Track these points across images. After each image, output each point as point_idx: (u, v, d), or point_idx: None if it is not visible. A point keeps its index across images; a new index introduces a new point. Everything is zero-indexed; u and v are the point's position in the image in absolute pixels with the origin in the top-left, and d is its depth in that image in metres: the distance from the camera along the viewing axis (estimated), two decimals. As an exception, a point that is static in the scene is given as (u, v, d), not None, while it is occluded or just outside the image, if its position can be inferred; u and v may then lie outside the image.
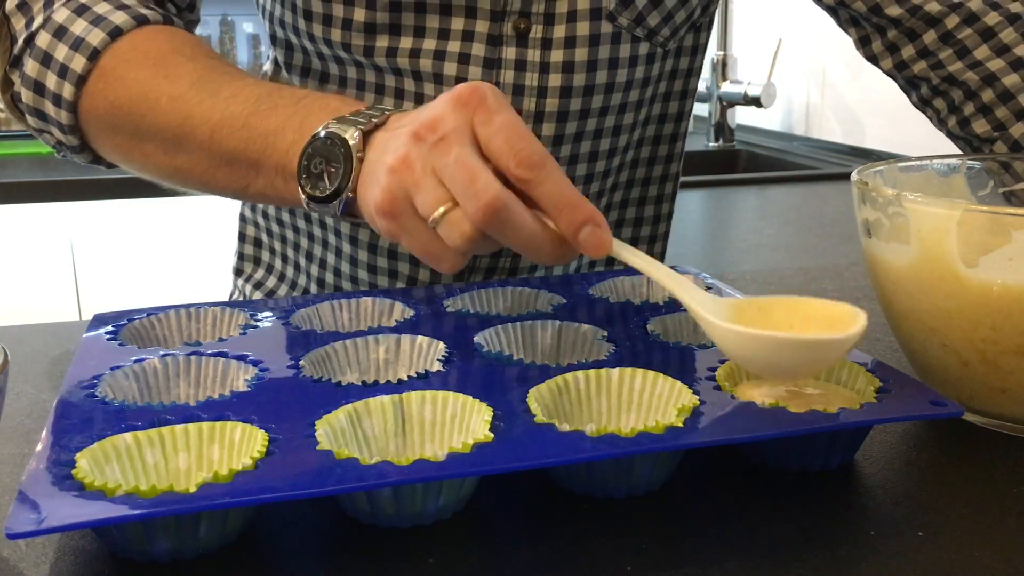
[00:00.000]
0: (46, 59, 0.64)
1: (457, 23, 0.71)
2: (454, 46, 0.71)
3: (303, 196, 0.56)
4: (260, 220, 0.88)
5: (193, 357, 0.53)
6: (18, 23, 0.66)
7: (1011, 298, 0.49)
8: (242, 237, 0.91)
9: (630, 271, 0.70)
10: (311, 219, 0.82)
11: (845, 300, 0.48)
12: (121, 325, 0.59)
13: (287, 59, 0.79)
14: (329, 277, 0.83)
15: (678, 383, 0.48)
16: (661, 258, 0.90)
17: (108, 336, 0.57)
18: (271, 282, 0.88)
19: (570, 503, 0.46)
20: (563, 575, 0.41)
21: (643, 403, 0.50)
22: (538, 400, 0.47)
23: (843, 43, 2.02)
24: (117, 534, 0.41)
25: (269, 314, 0.61)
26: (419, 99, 0.73)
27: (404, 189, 0.49)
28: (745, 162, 2.12)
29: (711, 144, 2.15)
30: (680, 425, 0.44)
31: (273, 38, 0.79)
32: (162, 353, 0.54)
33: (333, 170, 0.54)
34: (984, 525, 0.44)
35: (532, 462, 0.41)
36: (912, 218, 0.52)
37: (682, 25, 0.76)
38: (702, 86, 2.14)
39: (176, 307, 0.62)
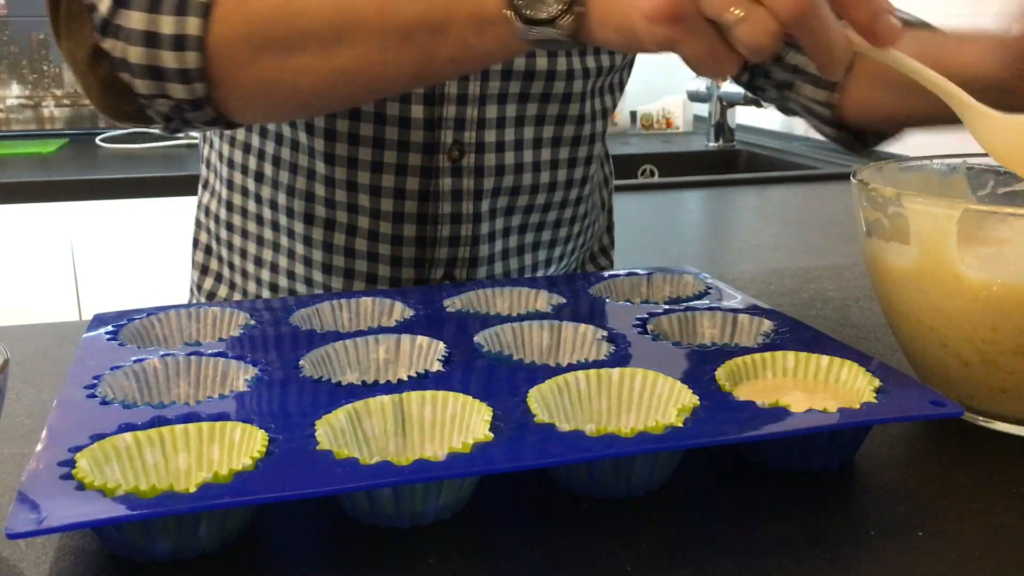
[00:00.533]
0: (153, 3, 0.57)
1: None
2: None
3: (519, 24, 0.52)
4: (212, 224, 0.86)
5: (193, 357, 0.53)
6: None
7: (1011, 298, 0.49)
8: (195, 243, 0.89)
9: (630, 271, 0.70)
10: (262, 220, 0.81)
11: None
12: (121, 325, 0.59)
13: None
14: (282, 281, 0.81)
15: (678, 383, 0.48)
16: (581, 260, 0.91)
17: (108, 336, 0.57)
18: (222, 291, 0.87)
19: (570, 503, 0.46)
20: (563, 575, 0.41)
21: (643, 403, 0.50)
22: (538, 400, 0.47)
23: (843, 43, 2.02)
24: (117, 534, 0.41)
25: (269, 314, 0.61)
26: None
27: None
28: (745, 162, 2.12)
29: (711, 144, 2.15)
30: (680, 425, 0.44)
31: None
32: (162, 353, 0.54)
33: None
34: (984, 525, 0.44)
35: (532, 462, 0.41)
36: (912, 218, 0.52)
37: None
38: (702, 86, 2.14)
39: (176, 307, 0.62)
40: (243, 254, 0.84)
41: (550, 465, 0.45)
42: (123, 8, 0.58)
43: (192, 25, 0.57)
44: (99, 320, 0.60)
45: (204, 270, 0.88)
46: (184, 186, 1.76)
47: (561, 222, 0.84)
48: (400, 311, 0.62)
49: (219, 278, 0.87)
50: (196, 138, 2.06)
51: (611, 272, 0.71)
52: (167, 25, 0.57)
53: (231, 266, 0.85)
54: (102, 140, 2.10)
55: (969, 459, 0.51)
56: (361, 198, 0.75)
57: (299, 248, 0.79)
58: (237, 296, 0.86)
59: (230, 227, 0.84)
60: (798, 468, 0.49)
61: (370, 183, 0.75)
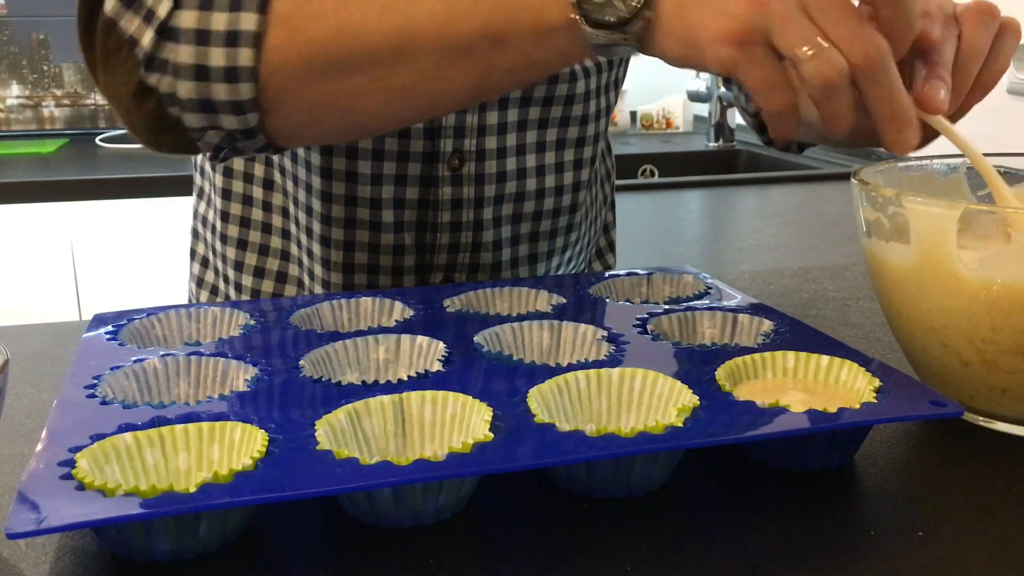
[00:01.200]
0: (201, 36, 0.56)
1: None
2: None
3: (587, 29, 0.52)
4: (208, 235, 0.86)
5: (193, 357, 0.53)
6: (130, 23, 0.57)
7: (1011, 298, 0.49)
8: (192, 254, 0.88)
9: (629, 271, 0.70)
10: (270, 229, 0.81)
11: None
12: (121, 325, 0.59)
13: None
14: (289, 291, 0.82)
15: (678, 383, 0.48)
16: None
17: (108, 336, 0.57)
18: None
19: (570, 503, 0.46)
20: (563, 575, 0.41)
21: (643, 403, 0.50)
22: (538, 400, 0.47)
23: (843, 43, 2.02)
24: (117, 534, 0.41)
25: (269, 314, 0.61)
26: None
27: (763, 20, 0.48)
28: (745, 162, 2.12)
29: (711, 144, 2.15)
30: (680, 425, 0.44)
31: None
32: (162, 353, 0.54)
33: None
34: (984, 525, 0.44)
35: (532, 462, 0.41)
36: (912, 218, 0.52)
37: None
38: (702, 86, 2.14)
39: (176, 307, 0.62)
40: (238, 266, 0.83)
41: (550, 465, 0.45)
42: (170, 41, 0.56)
43: (244, 56, 0.56)
44: (99, 320, 0.61)
45: (200, 283, 0.87)
46: (184, 186, 1.76)
47: (562, 223, 0.84)
48: (400, 311, 0.62)
49: (215, 291, 0.86)
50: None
51: (611, 272, 0.71)
52: (217, 58, 0.56)
53: (226, 279, 0.85)
54: (102, 140, 2.10)
55: (969, 459, 0.51)
56: (360, 212, 0.75)
57: (306, 260, 0.79)
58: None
59: (224, 238, 0.83)
60: (798, 468, 0.49)
61: (370, 196, 0.75)
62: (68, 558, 0.42)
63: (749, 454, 0.50)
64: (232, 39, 0.56)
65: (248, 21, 0.55)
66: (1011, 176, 0.63)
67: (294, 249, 0.80)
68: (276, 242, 0.81)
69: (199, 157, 0.86)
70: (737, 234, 1.36)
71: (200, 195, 0.86)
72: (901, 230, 0.53)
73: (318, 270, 0.79)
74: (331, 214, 0.75)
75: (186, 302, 0.91)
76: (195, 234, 0.88)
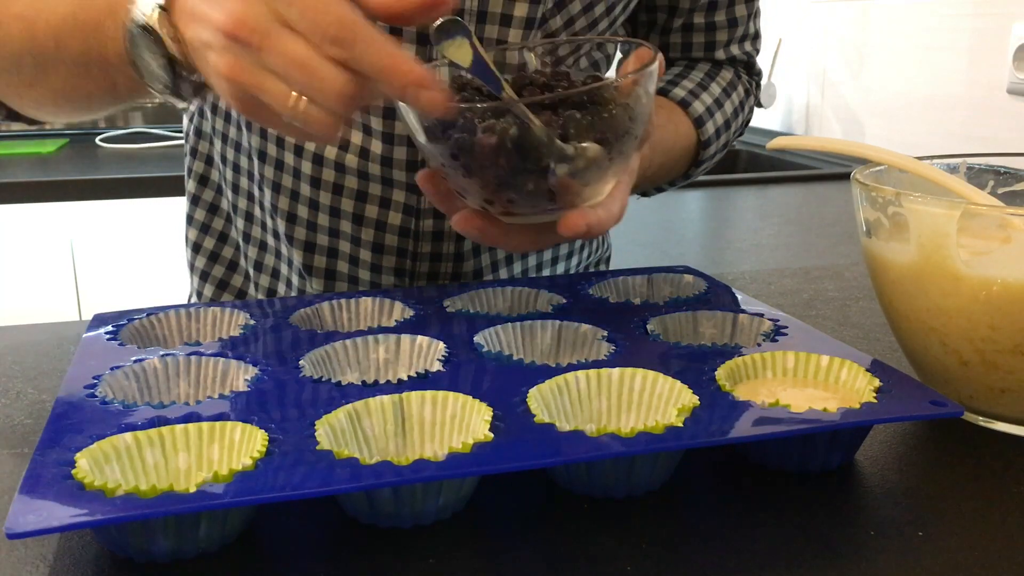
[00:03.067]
0: None
1: None
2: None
3: (158, 93, 0.54)
4: (212, 223, 0.87)
5: (193, 357, 0.53)
6: None
7: (1010, 297, 0.49)
8: (196, 247, 0.89)
9: (630, 271, 0.70)
10: (265, 227, 0.81)
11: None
12: (121, 325, 0.59)
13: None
14: (281, 288, 0.82)
15: (678, 383, 0.48)
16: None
17: (108, 336, 0.57)
18: (226, 295, 0.87)
19: (570, 503, 0.46)
20: (563, 575, 0.41)
21: (643, 403, 0.50)
22: (538, 400, 0.47)
23: (843, 43, 2.03)
24: (117, 534, 0.41)
25: (269, 314, 0.61)
26: None
27: (247, 93, 0.47)
28: (745, 162, 2.12)
29: (711, 144, 2.14)
30: (680, 425, 0.44)
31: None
32: (162, 353, 0.54)
33: (163, 59, 0.52)
34: (984, 525, 0.44)
35: (532, 462, 0.41)
36: (912, 218, 0.52)
37: None
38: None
39: (176, 307, 0.62)
40: (246, 257, 0.84)
41: (550, 465, 0.45)
42: None
43: None
44: (99, 320, 0.60)
45: (204, 276, 0.88)
46: (184, 186, 1.76)
47: (548, 251, 0.84)
48: (400, 311, 0.62)
49: (222, 285, 0.87)
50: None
51: (611, 272, 0.71)
52: None
53: (233, 266, 0.86)
54: (102, 140, 2.10)
55: (969, 459, 0.51)
56: (343, 224, 0.75)
57: (296, 257, 0.80)
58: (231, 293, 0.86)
59: (229, 221, 0.84)
60: (798, 468, 0.49)
61: (353, 211, 0.75)
62: (68, 558, 0.42)
63: (749, 454, 0.50)
64: None
65: None
66: (1011, 176, 0.63)
67: (284, 248, 0.80)
68: (271, 241, 0.81)
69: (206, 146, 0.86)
70: (737, 234, 1.36)
71: (204, 183, 0.87)
72: (901, 230, 0.53)
73: (296, 280, 0.80)
74: (316, 221, 0.76)
75: (185, 301, 0.91)
76: (193, 223, 0.88)
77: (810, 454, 0.48)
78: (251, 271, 0.84)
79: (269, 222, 0.80)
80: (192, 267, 0.88)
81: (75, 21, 0.57)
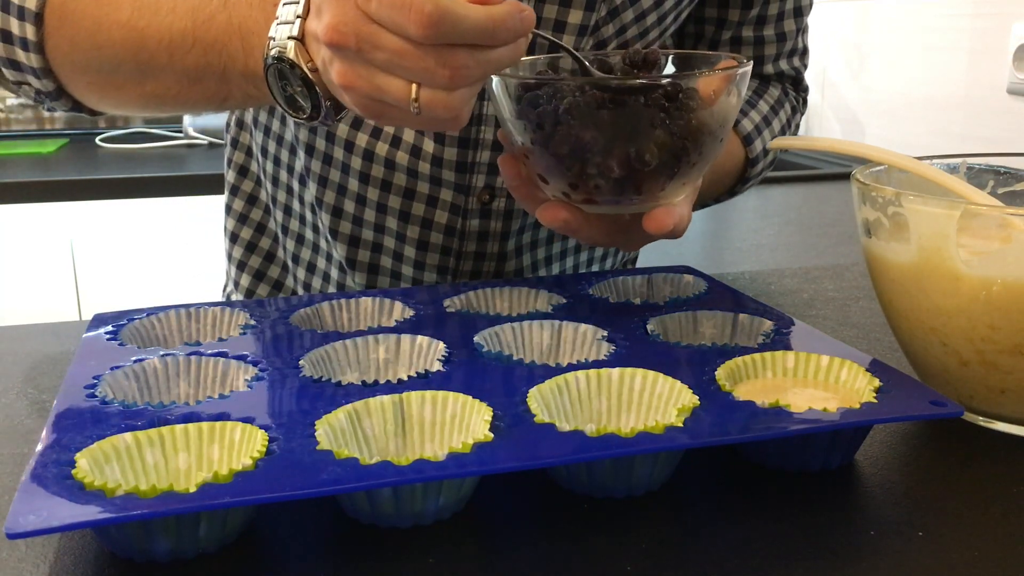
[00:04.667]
0: (5, 4, 0.62)
1: None
2: None
3: (296, 120, 0.55)
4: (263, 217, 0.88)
5: (193, 357, 0.53)
6: None
7: (1010, 297, 0.49)
8: (233, 238, 0.89)
9: (629, 271, 0.70)
10: (305, 221, 0.82)
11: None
12: (121, 325, 0.59)
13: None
14: (317, 282, 0.83)
15: (678, 383, 0.48)
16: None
17: (108, 336, 0.57)
18: (262, 288, 0.88)
19: (570, 503, 0.46)
20: (563, 575, 0.41)
21: (643, 403, 0.50)
22: (538, 400, 0.47)
23: (843, 43, 2.02)
24: (117, 534, 0.41)
25: (269, 314, 0.61)
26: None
27: (368, 96, 0.49)
28: (745, 162, 2.11)
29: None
30: (680, 425, 0.44)
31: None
32: (162, 353, 0.54)
33: (299, 88, 0.53)
34: (984, 525, 0.44)
35: (532, 462, 0.41)
36: (912, 218, 0.52)
37: None
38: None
39: (176, 307, 0.62)
40: (284, 249, 0.85)
41: (550, 465, 0.45)
42: None
43: (30, 31, 0.62)
44: (99, 320, 0.60)
45: (241, 266, 0.88)
46: (184, 186, 1.76)
47: (584, 245, 0.84)
48: (400, 311, 0.62)
49: (259, 275, 0.88)
50: (196, 137, 2.06)
51: (611, 272, 0.71)
52: (15, 26, 0.62)
53: (270, 256, 0.87)
54: (102, 140, 2.10)
55: (969, 459, 0.51)
56: (389, 220, 0.76)
57: (321, 256, 0.81)
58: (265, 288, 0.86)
59: (274, 221, 0.85)
60: (798, 468, 0.49)
61: (400, 208, 0.75)
62: (68, 558, 0.42)
63: (749, 454, 0.50)
64: (21, 13, 0.62)
65: (31, 1, 0.61)
66: (1011, 176, 0.63)
67: (324, 243, 0.80)
68: (310, 235, 0.81)
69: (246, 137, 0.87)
70: (737, 234, 1.36)
71: (256, 181, 0.88)
72: (901, 230, 0.53)
73: (335, 274, 0.80)
74: (363, 216, 0.77)
75: (189, 301, 0.91)
76: (243, 219, 0.89)
77: (810, 454, 0.48)
78: (289, 263, 0.85)
79: (309, 216, 0.80)
80: (229, 256, 0.89)
81: (194, 38, 0.58)
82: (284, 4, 0.53)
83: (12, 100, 2.17)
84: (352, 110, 0.51)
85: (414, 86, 0.47)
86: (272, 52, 0.52)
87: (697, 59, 0.62)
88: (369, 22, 0.46)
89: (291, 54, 0.51)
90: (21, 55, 0.63)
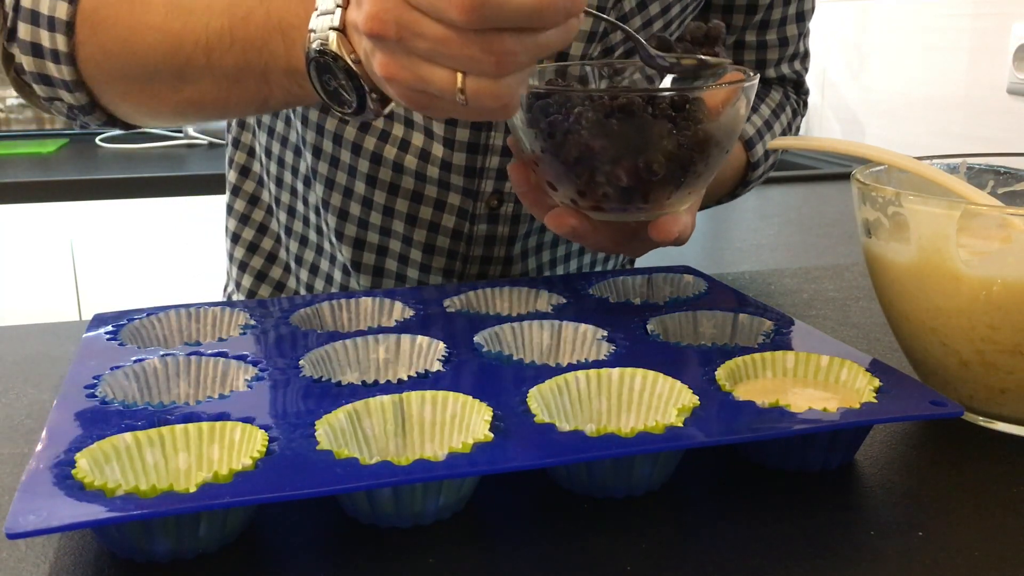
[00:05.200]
0: (34, 17, 0.60)
1: None
2: None
3: (340, 115, 0.54)
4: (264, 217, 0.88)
5: (193, 357, 0.53)
6: None
7: (1010, 297, 0.49)
8: (235, 238, 0.89)
9: (629, 271, 0.70)
10: (308, 222, 0.82)
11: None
12: (121, 325, 0.59)
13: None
14: (320, 284, 0.83)
15: (678, 383, 0.48)
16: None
17: (108, 336, 0.57)
18: (263, 289, 0.88)
19: (570, 503, 0.46)
20: (563, 575, 0.41)
21: (643, 403, 0.50)
22: (538, 400, 0.47)
23: (843, 43, 2.02)
24: (117, 534, 0.41)
25: (269, 314, 0.61)
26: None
27: (412, 88, 0.47)
28: (745, 162, 2.11)
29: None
30: (680, 425, 0.44)
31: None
32: (162, 353, 0.54)
33: (344, 82, 0.51)
34: (984, 525, 0.44)
35: (532, 462, 0.41)
36: (912, 218, 0.52)
37: None
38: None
39: (176, 307, 0.62)
40: (287, 251, 0.85)
41: (550, 465, 0.45)
42: (18, 17, 0.61)
43: (61, 42, 0.60)
44: (99, 320, 0.60)
45: (243, 267, 0.88)
46: (184, 186, 1.76)
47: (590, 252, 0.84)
48: (400, 311, 0.62)
49: (261, 276, 0.87)
50: (195, 137, 2.06)
51: (611, 272, 0.71)
52: (45, 39, 0.61)
53: (272, 257, 0.87)
54: (102, 140, 2.10)
55: (969, 459, 0.51)
56: (396, 224, 0.76)
57: (325, 258, 0.81)
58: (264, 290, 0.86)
59: (277, 221, 0.85)
60: (798, 468, 0.49)
61: (407, 211, 0.75)
62: (68, 558, 0.42)
63: (749, 454, 0.50)
64: (51, 24, 0.60)
65: (61, 10, 0.60)
66: (1011, 176, 0.63)
67: (328, 245, 0.80)
68: (314, 236, 0.81)
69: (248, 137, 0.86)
70: (737, 234, 1.36)
71: (259, 182, 0.87)
72: (901, 230, 0.53)
73: (338, 276, 0.80)
74: (369, 219, 0.77)
75: (189, 301, 0.91)
76: (244, 219, 0.88)
77: (810, 454, 0.48)
78: (292, 264, 0.85)
79: (313, 217, 0.80)
80: (231, 257, 0.89)
81: (232, 37, 0.56)
82: None
83: (12, 100, 2.17)
84: (398, 102, 0.50)
85: (459, 75, 0.45)
86: (314, 45, 0.50)
87: (705, 70, 0.63)
88: (410, 9, 0.44)
89: (333, 46, 0.49)
90: (52, 68, 0.62)
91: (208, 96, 0.60)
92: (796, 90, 0.91)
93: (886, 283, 0.56)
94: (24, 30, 0.61)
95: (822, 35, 1.97)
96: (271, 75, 0.57)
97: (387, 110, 0.53)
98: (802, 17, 0.86)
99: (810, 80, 0.94)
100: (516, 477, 0.47)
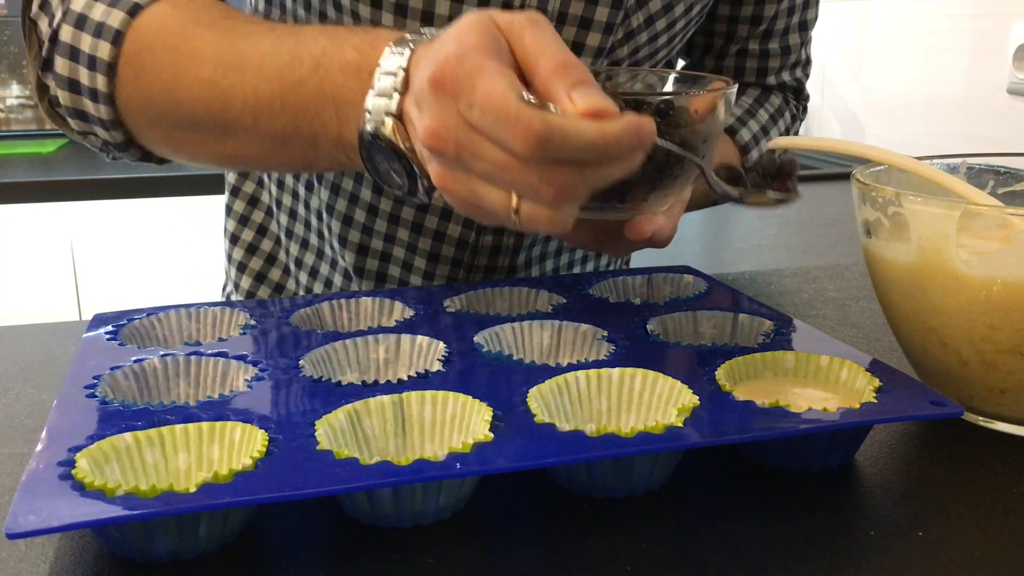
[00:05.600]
0: (73, 53, 0.60)
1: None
2: None
3: (390, 194, 0.53)
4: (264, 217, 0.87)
5: (193, 357, 0.53)
6: (43, 24, 0.61)
7: (1010, 297, 0.49)
8: (234, 239, 0.89)
9: (629, 271, 0.70)
10: (310, 226, 0.82)
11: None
12: (121, 325, 0.59)
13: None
14: (318, 288, 0.83)
15: (678, 383, 0.48)
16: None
17: (108, 336, 0.57)
18: (262, 290, 0.88)
19: (570, 503, 0.46)
20: (563, 575, 0.41)
21: (643, 403, 0.50)
22: (538, 400, 0.47)
23: (843, 43, 2.02)
24: (117, 534, 0.41)
25: (269, 314, 0.61)
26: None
27: (465, 201, 0.47)
28: (745, 162, 2.11)
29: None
30: (680, 425, 0.44)
31: None
32: (162, 353, 0.54)
33: (397, 165, 0.50)
34: (984, 525, 0.44)
35: (532, 462, 0.41)
36: (912, 218, 0.52)
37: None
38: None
39: (176, 307, 0.62)
40: (287, 253, 0.85)
41: (550, 465, 0.44)
42: (55, 52, 0.60)
43: (101, 82, 0.59)
44: (99, 320, 0.60)
45: (242, 268, 0.88)
46: (184, 186, 1.76)
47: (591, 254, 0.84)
48: (400, 311, 0.62)
49: (260, 277, 0.87)
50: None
51: (611, 272, 0.71)
52: (84, 76, 0.60)
53: (271, 259, 0.86)
54: (102, 140, 2.10)
55: (969, 459, 0.51)
56: (401, 231, 0.76)
57: (325, 262, 0.81)
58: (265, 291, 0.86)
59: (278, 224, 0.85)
60: (798, 468, 0.49)
61: (413, 219, 0.75)
62: (68, 558, 0.42)
63: (749, 454, 0.50)
64: (92, 63, 0.59)
65: (104, 50, 0.59)
66: (1011, 176, 0.63)
67: (329, 249, 0.80)
68: (315, 240, 0.81)
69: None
70: (737, 234, 1.36)
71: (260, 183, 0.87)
72: (901, 230, 0.53)
73: (338, 281, 0.80)
74: (374, 227, 0.76)
75: (189, 301, 0.91)
76: (242, 220, 0.88)
77: (810, 454, 0.48)
78: (292, 266, 0.85)
79: (315, 221, 0.80)
80: (229, 258, 0.88)
81: (283, 103, 0.55)
82: (382, 73, 0.49)
83: (12, 100, 2.17)
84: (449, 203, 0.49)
85: (515, 198, 0.44)
86: (368, 127, 0.50)
87: (687, 78, 0.63)
88: (471, 130, 0.43)
89: (388, 131, 0.49)
90: (89, 106, 0.61)
91: (252, 153, 0.59)
92: (796, 96, 0.92)
93: (886, 283, 0.56)
94: (61, 64, 0.60)
95: (822, 35, 1.96)
96: (320, 143, 0.56)
97: (437, 195, 0.51)
98: (804, 26, 0.87)
99: (810, 80, 0.94)
100: (516, 477, 0.47)
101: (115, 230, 1.78)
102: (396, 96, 0.49)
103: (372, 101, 0.50)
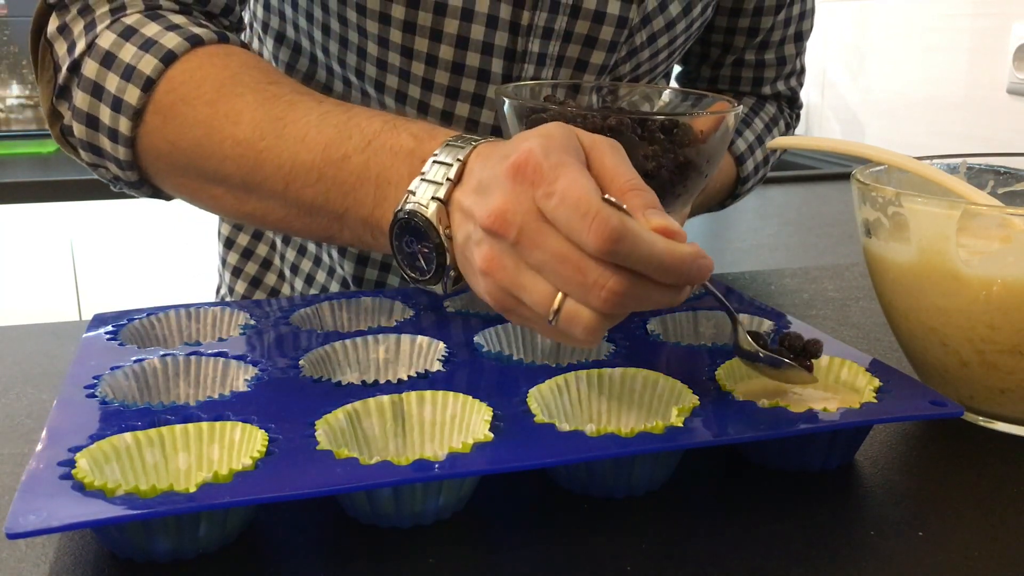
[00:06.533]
0: (96, 90, 0.58)
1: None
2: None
3: (408, 278, 0.52)
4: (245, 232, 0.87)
5: (193, 357, 0.53)
6: (60, 48, 0.60)
7: (1010, 297, 0.49)
8: (228, 243, 0.88)
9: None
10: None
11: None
12: (121, 325, 0.59)
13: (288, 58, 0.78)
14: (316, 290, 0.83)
15: (678, 383, 0.48)
16: None
17: (108, 336, 0.57)
18: (258, 293, 0.87)
19: (570, 503, 0.46)
20: (563, 575, 0.41)
21: (643, 403, 0.50)
22: (538, 400, 0.47)
23: (843, 43, 2.02)
24: (117, 534, 0.41)
25: (269, 314, 0.61)
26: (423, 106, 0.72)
27: (506, 290, 0.45)
28: (745, 162, 2.11)
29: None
30: (680, 425, 0.44)
31: (272, 32, 0.78)
32: (162, 353, 0.54)
33: (427, 250, 0.50)
34: (984, 525, 0.44)
35: (532, 462, 0.41)
36: (912, 218, 0.52)
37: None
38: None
39: (176, 307, 0.62)
40: (283, 258, 0.84)
41: (550, 465, 0.44)
42: (74, 83, 0.59)
43: (123, 125, 0.58)
44: (99, 320, 0.60)
45: (237, 272, 0.88)
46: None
47: None
48: (400, 311, 0.62)
49: (255, 282, 0.87)
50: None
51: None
52: (105, 115, 0.59)
53: (266, 264, 0.86)
54: (102, 140, 2.10)
55: (969, 459, 0.51)
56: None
57: (322, 269, 0.80)
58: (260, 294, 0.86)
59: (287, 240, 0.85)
60: (798, 468, 0.49)
61: None
62: (68, 558, 0.42)
63: (749, 454, 0.50)
64: (117, 105, 0.58)
65: (132, 95, 0.58)
66: (1011, 176, 0.63)
67: (327, 257, 0.80)
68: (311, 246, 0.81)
69: None
70: (737, 234, 1.36)
71: None
72: (901, 230, 0.53)
73: (335, 289, 0.80)
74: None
75: (189, 301, 0.91)
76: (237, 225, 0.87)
77: (810, 454, 0.48)
78: (287, 272, 0.84)
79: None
80: (224, 262, 0.88)
81: (320, 175, 0.54)
82: (435, 162, 0.49)
83: (12, 100, 2.17)
84: (479, 295, 0.48)
85: (560, 295, 0.43)
86: (408, 206, 0.49)
87: (692, 97, 0.64)
88: (539, 219, 0.43)
89: (430, 214, 0.48)
90: (107, 144, 0.60)
91: (273, 216, 0.58)
92: (790, 105, 0.93)
93: (886, 283, 0.56)
94: (81, 99, 0.59)
95: (822, 35, 1.97)
96: (348, 219, 0.55)
97: (457, 287, 0.51)
98: (800, 37, 0.88)
99: (810, 80, 0.95)
100: (516, 477, 0.47)
101: (115, 230, 1.78)
102: (447, 184, 0.48)
103: (419, 185, 0.49)
